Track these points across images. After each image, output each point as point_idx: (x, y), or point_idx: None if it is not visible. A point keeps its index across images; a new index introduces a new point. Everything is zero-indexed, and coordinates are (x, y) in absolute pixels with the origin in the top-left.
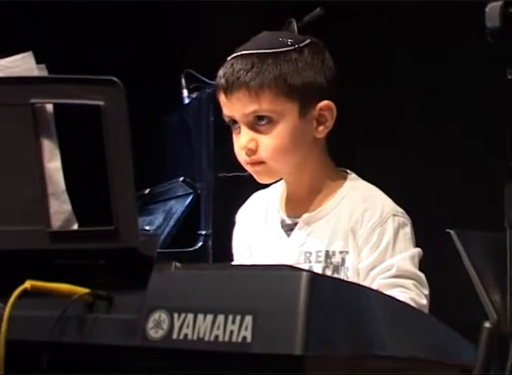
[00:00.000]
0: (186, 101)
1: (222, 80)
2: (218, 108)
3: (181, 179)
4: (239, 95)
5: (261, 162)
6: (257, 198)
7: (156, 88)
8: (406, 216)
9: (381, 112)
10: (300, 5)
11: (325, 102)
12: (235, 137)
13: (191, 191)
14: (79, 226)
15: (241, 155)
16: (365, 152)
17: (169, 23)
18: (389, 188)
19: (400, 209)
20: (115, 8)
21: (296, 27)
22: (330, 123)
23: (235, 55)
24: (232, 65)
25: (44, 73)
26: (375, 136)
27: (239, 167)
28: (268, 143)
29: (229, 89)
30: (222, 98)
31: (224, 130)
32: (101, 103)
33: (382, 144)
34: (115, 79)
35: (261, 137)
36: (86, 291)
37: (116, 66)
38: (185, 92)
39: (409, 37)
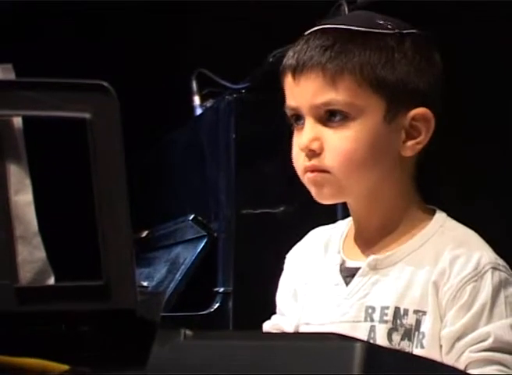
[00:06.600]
0: (199, 111)
1: (291, 60)
2: (241, 121)
3: (191, 217)
4: (310, 78)
5: (323, 171)
6: (315, 235)
7: (158, 96)
8: (510, 271)
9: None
10: None
11: (420, 110)
12: (296, 137)
13: (205, 233)
14: (56, 280)
15: (299, 160)
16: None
17: (173, 12)
18: (490, 239)
19: (502, 262)
20: None
21: (347, 12)
22: (423, 139)
23: (313, 29)
24: (307, 41)
25: (11, 75)
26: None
27: (269, 202)
28: (338, 145)
29: (298, 69)
30: (287, 81)
31: (249, 151)
32: (86, 116)
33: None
34: (104, 84)
35: (330, 136)
36: (64, 367)
37: (106, 67)
38: (196, 100)
39: None
